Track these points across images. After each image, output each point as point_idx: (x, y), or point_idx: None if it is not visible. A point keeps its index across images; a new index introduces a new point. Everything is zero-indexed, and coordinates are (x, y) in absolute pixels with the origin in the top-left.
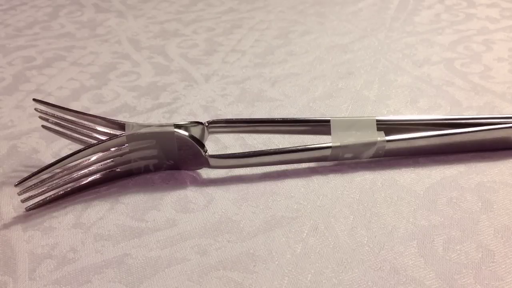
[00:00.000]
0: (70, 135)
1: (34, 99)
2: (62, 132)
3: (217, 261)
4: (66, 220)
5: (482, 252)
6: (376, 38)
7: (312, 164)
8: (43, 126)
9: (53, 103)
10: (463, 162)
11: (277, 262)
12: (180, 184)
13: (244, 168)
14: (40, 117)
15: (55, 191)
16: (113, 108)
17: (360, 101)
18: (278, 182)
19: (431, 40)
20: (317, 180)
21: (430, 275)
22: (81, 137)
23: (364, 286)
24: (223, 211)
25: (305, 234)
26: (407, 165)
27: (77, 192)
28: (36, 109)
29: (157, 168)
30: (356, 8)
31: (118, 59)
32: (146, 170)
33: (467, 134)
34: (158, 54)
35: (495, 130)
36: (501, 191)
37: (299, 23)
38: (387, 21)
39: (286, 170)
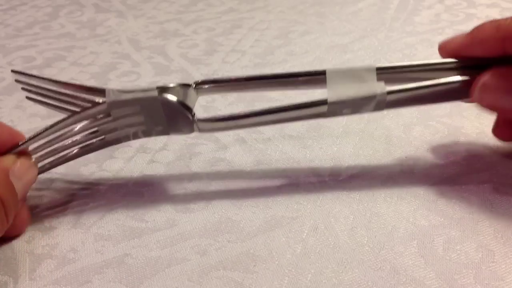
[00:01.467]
0: (52, 104)
1: (12, 70)
2: (44, 101)
3: (217, 261)
4: (66, 220)
5: (482, 252)
6: (376, 38)
7: (310, 162)
8: (28, 98)
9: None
10: (463, 161)
11: (277, 262)
12: (180, 184)
13: (244, 168)
14: (23, 89)
15: (41, 163)
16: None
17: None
18: (278, 182)
19: (431, 40)
20: (317, 180)
21: (430, 275)
22: (63, 105)
23: (364, 286)
24: (223, 211)
25: (305, 234)
26: (407, 165)
27: (64, 163)
28: (17, 81)
29: (146, 134)
30: (356, 8)
31: (118, 59)
32: (135, 137)
33: (468, 80)
34: (158, 54)
35: None
36: (501, 191)
37: (299, 23)
38: (387, 21)
39: (286, 170)
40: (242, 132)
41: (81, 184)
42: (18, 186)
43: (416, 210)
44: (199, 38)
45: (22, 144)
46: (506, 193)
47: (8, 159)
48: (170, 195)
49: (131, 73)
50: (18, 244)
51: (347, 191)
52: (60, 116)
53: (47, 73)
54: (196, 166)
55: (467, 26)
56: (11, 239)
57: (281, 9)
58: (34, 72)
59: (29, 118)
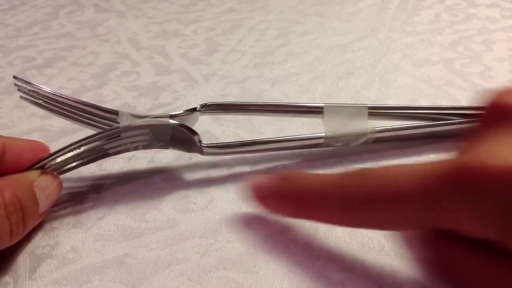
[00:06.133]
0: (60, 112)
1: (14, 77)
2: (51, 108)
3: (218, 261)
4: (66, 220)
5: None
6: (376, 38)
7: (311, 162)
8: (21, 97)
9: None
10: None
11: (277, 262)
12: (180, 184)
13: (244, 168)
14: (22, 95)
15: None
16: (113, 108)
17: (360, 101)
18: None
19: (431, 40)
20: None
21: (431, 276)
22: (73, 115)
23: (364, 286)
24: (223, 211)
25: (305, 234)
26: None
27: (64, 173)
28: (16, 85)
29: (146, 148)
30: (356, 8)
31: (118, 59)
32: (135, 149)
33: (454, 125)
34: (158, 54)
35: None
36: None
37: (299, 23)
38: (387, 21)
39: (286, 170)
40: (241, 132)
41: (82, 184)
42: (41, 198)
43: None
44: (199, 38)
45: (44, 160)
46: None
47: (34, 172)
48: (170, 195)
49: (131, 73)
50: (18, 244)
51: None
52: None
53: (47, 73)
54: (196, 166)
55: (467, 26)
56: None
57: (281, 9)
58: (34, 73)
59: (29, 118)
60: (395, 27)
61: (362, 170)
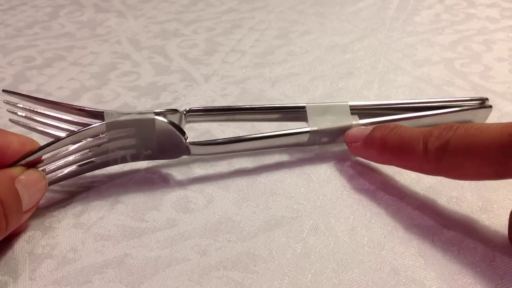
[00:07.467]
0: (42, 130)
1: (3, 90)
2: (33, 127)
3: (217, 261)
4: (66, 220)
5: (482, 251)
6: (376, 38)
7: (311, 162)
8: (11, 120)
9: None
10: None
11: (277, 262)
12: (180, 184)
13: (244, 168)
14: (8, 110)
15: None
16: (113, 108)
17: (360, 101)
18: (278, 182)
19: (431, 40)
20: (317, 180)
21: (431, 275)
22: (53, 132)
23: (364, 286)
24: (223, 211)
25: (305, 234)
26: None
27: (53, 184)
28: (6, 102)
29: (134, 159)
30: (356, 8)
31: (118, 59)
32: (123, 161)
33: (435, 116)
34: (158, 54)
35: (460, 112)
36: (501, 190)
37: (299, 23)
38: (387, 21)
39: (286, 169)
40: (241, 132)
41: (82, 184)
42: (24, 195)
43: (416, 210)
44: (199, 38)
45: (31, 155)
46: (506, 193)
47: (17, 168)
48: (170, 195)
49: (131, 73)
50: (18, 244)
51: (347, 191)
52: None
53: (47, 73)
54: (196, 166)
55: (467, 26)
56: (11, 239)
57: (281, 9)
58: (34, 73)
59: None
60: (395, 27)
61: (448, 125)
